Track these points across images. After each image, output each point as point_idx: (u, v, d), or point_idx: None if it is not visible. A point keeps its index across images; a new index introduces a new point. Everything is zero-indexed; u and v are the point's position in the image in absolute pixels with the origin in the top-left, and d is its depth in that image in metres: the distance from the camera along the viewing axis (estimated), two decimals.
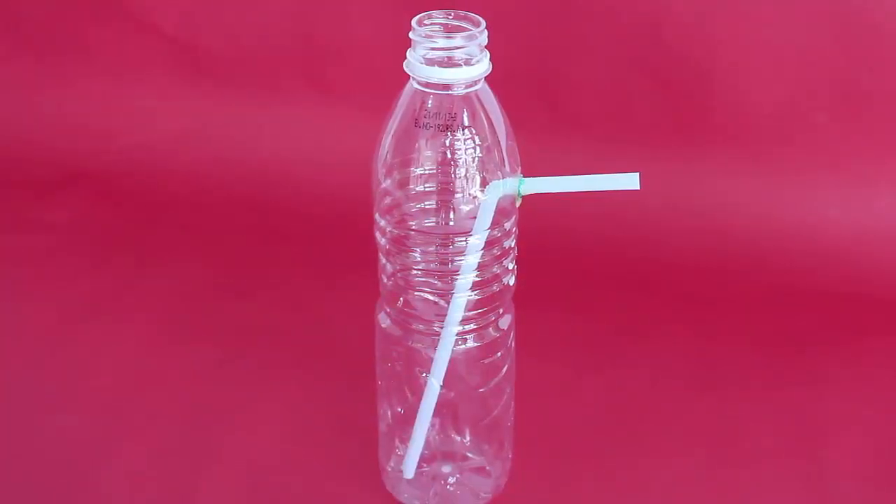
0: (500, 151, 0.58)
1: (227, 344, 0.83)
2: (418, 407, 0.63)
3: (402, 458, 0.65)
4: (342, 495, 0.69)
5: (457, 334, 0.61)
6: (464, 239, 0.59)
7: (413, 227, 0.60)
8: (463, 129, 0.57)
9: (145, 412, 0.77)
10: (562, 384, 0.80)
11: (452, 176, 0.58)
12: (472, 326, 0.62)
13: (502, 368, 0.65)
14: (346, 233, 0.95)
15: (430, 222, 0.59)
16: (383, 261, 0.62)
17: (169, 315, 0.87)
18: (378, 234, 0.61)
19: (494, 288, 0.62)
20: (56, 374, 0.81)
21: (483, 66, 0.57)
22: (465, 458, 0.67)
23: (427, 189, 0.59)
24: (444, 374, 0.62)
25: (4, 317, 0.87)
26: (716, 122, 0.97)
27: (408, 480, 0.66)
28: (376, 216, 0.61)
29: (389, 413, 0.66)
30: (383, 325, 0.64)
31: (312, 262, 0.95)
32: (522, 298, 0.65)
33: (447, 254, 0.59)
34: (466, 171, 0.58)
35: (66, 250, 0.96)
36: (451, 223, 0.59)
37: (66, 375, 0.80)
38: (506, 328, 0.64)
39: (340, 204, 0.99)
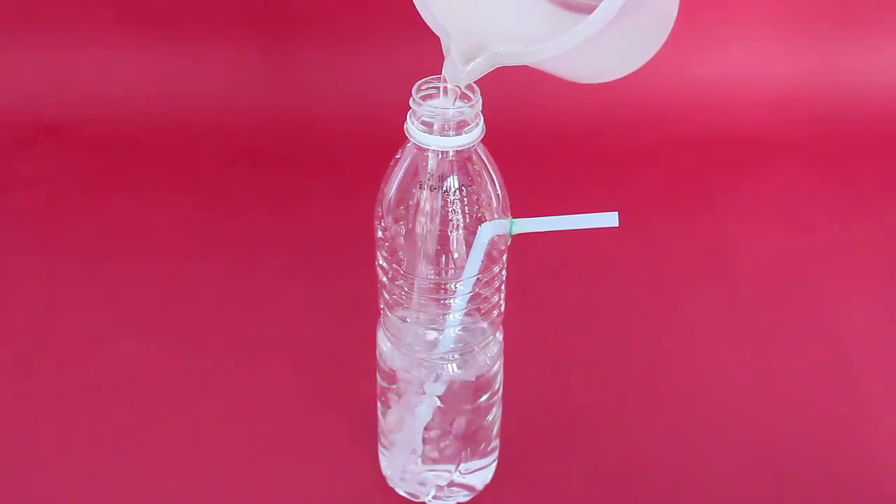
0: (492, 199, 0.62)
1: (237, 259, 0.95)
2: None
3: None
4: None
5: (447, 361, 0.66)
6: (454, 283, 0.63)
7: (405, 276, 0.64)
8: (457, 190, 0.61)
9: (176, 337, 0.86)
10: None
11: (445, 230, 0.62)
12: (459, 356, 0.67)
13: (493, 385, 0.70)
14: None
15: (424, 269, 0.64)
16: (383, 293, 0.66)
17: (177, 240, 0.96)
18: (379, 271, 0.65)
19: (482, 323, 0.67)
20: (85, 319, 0.88)
21: (477, 132, 0.60)
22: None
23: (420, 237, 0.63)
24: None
25: (19, 273, 0.92)
26: None
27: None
28: (377, 254, 0.65)
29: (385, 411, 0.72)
30: (383, 347, 0.69)
31: (282, 176, 1.05)
32: None
33: (440, 298, 0.64)
34: (458, 226, 0.62)
35: (57, 200, 1.02)
36: (443, 272, 0.63)
37: (94, 316, 0.88)
38: (496, 352, 0.69)
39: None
